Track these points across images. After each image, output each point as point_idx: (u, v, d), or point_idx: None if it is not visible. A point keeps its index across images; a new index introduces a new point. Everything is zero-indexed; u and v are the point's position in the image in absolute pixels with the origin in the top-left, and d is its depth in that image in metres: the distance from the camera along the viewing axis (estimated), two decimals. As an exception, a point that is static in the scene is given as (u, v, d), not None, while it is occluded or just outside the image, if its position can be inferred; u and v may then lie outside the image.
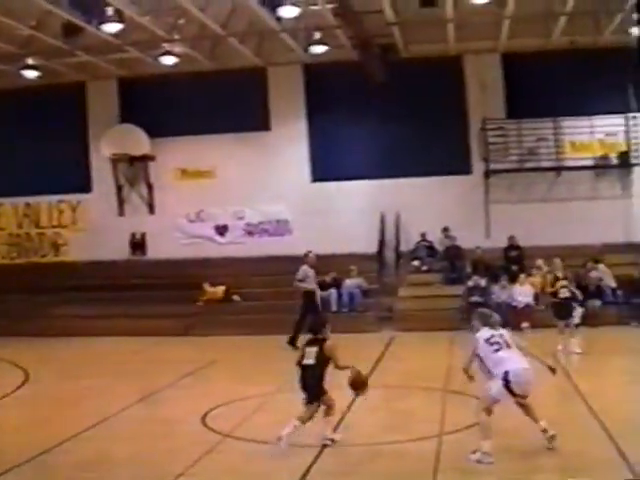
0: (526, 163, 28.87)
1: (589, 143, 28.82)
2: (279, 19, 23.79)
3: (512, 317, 24.47)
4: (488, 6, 22.48)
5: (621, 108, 28.31)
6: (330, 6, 22.75)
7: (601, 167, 28.89)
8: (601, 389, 14.71)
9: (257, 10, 23.24)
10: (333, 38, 26.03)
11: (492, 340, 11.11)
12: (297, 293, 23.60)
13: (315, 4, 22.43)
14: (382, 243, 28.64)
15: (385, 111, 28.97)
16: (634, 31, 25.45)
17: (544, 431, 10.94)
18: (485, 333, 11.25)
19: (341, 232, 28.37)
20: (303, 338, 21.89)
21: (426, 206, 28.35)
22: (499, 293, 25.76)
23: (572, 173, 28.68)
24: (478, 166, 29.22)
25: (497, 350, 11.00)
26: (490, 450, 10.54)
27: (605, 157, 28.75)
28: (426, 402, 14.97)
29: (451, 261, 27.78)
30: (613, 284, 25.77)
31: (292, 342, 22.13)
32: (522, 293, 25.58)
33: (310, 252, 23.84)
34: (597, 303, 24.74)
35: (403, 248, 28.96)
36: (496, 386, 10.82)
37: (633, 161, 28.64)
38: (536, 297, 25.39)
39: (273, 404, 14.90)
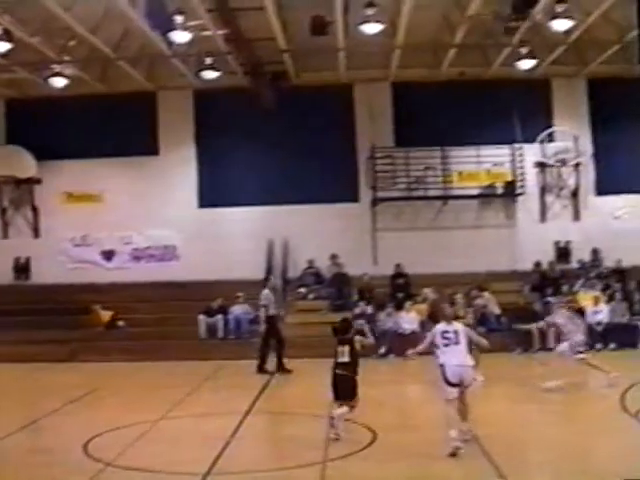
0: (413, 192, 29.22)
1: (476, 172, 29.38)
2: (170, 44, 23.69)
3: (398, 344, 24.75)
4: (379, 36, 22.72)
5: (507, 139, 28.99)
6: (221, 32, 22.77)
7: (487, 196, 29.48)
8: (485, 415, 14.92)
9: (149, 34, 23.12)
10: (224, 64, 26.03)
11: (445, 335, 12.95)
12: (181, 319, 23.56)
13: (207, 30, 22.41)
14: (269, 270, 28.60)
15: (275, 138, 29.02)
16: (520, 64, 26.20)
17: (460, 432, 11.99)
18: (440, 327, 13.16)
19: (229, 258, 28.32)
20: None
21: (314, 233, 28.46)
22: (385, 320, 25.97)
23: (458, 202, 29.23)
24: (366, 194, 29.49)
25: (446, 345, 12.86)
26: (456, 437, 11.92)
27: (491, 186, 29.35)
28: (311, 428, 14.95)
29: (338, 288, 27.90)
30: (497, 311, 26.23)
31: (261, 369, 22.46)
32: (408, 320, 25.85)
33: (271, 277, 24.26)
34: (482, 330, 25.15)
35: (291, 275, 28.96)
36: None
37: (518, 191, 29.32)
38: (422, 324, 25.68)
39: (157, 432, 14.71)
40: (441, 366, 12.76)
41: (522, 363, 23.52)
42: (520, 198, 29.52)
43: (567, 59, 27.67)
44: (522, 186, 29.40)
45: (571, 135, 29.42)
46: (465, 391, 12.81)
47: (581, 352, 17.97)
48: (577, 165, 29.48)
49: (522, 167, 29.39)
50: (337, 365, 13.85)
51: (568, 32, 23.99)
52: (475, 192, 29.42)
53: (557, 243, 29.35)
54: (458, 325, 13.33)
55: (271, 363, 22.56)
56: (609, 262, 28.46)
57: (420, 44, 25.94)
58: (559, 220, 29.63)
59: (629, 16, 23.25)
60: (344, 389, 13.70)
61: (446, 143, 29.13)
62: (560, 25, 22.36)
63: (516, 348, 25.08)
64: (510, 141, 29.07)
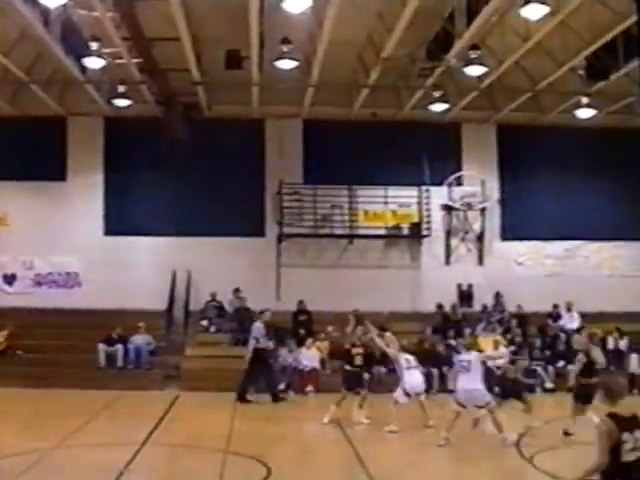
0: (320, 229, 29.33)
1: (382, 213, 29.59)
2: (84, 69, 23.49)
3: (297, 380, 24.77)
4: (293, 72, 22.85)
5: (416, 180, 29.33)
6: (135, 61, 22.65)
7: (392, 237, 29.71)
8: (379, 455, 14.94)
9: (62, 58, 22.86)
10: (137, 93, 25.90)
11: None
12: (81, 347, 23.24)
13: (121, 57, 22.27)
14: (172, 301, 28.37)
15: (185, 169, 28.85)
16: (432, 108, 26.58)
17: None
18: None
19: (132, 287, 27.94)
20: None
21: (218, 266, 28.28)
22: (286, 356, 25.88)
23: (364, 241, 29.43)
24: (272, 229, 29.47)
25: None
26: None
27: (397, 227, 29.59)
28: (206, 463, 14.83)
29: (240, 322, 27.71)
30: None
31: (242, 398, 22.78)
32: (308, 357, 25.82)
33: (267, 310, 24.35)
34: (382, 370, 25.18)
35: (193, 307, 28.72)
36: None
37: (423, 232, 29.63)
38: (322, 361, 25.70)
39: (51, 460, 14.42)
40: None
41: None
42: (425, 240, 29.85)
43: (478, 105, 28.13)
44: (428, 228, 29.72)
45: (479, 180, 29.89)
46: None
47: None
48: (483, 210, 29.93)
49: (429, 209, 29.73)
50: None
51: (481, 78, 24.47)
52: (381, 232, 29.62)
53: (460, 286, 29.68)
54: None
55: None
56: (510, 307, 28.85)
57: (334, 83, 26.16)
58: (463, 263, 30.02)
59: (540, 66, 23.90)
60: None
61: (354, 182, 29.30)
62: (473, 71, 22.82)
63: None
64: (418, 183, 29.43)
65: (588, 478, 7.70)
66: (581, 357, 17.85)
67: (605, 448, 7.57)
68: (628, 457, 7.55)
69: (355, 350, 20.10)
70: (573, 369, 23.32)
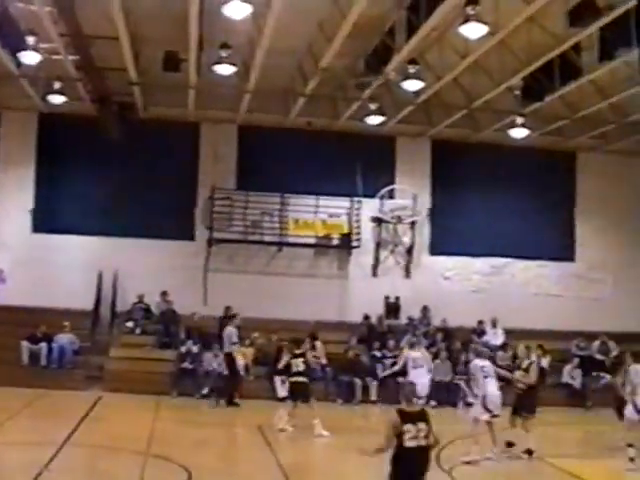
0: (250, 235, 29.23)
1: (312, 222, 29.59)
2: (19, 64, 23.15)
3: (221, 385, 24.69)
4: (231, 77, 22.80)
5: (348, 191, 29.40)
6: (72, 58, 22.41)
7: (322, 246, 29.74)
8: (302, 464, 14.98)
9: (-3, 52, 22.51)
10: (73, 90, 25.58)
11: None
12: (4, 344, 22.99)
13: (58, 54, 22.01)
14: (98, 301, 28.06)
15: (118, 169, 28.62)
16: (368, 120, 26.72)
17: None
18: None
19: (58, 286, 27.54)
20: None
21: (147, 268, 28.03)
22: (210, 361, 25.74)
23: (293, 249, 29.44)
24: (202, 233, 29.32)
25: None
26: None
27: (326, 237, 29.63)
28: (127, 464, 14.73)
29: (166, 325, 27.56)
30: (324, 361, 26.31)
31: (231, 401, 23.54)
32: (233, 363, 25.73)
33: (237, 314, 24.81)
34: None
35: (120, 308, 28.40)
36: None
37: (353, 243, 29.73)
38: (246, 367, 25.64)
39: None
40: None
41: (342, 414, 23.68)
42: (354, 251, 29.95)
43: (414, 119, 28.35)
44: (357, 239, 29.85)
45: (410, 193, 30.08)
46: None
47: None
48: (413, 223, 30.12)
49: (359, 221, 29.86)
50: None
51: (417, 93, 24.65)
52: (310, 241, 29.65)
53: (387, 298, 29.81)
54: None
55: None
56: (436, 321, 29.07)
57: (271, 90, 26.16)
58: (391, 276, 30.18)
59: (477, 84, 24.16)
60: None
61: (286, 190, 29.30)
62: (410, 85, 22.99)
63: (338, 399, 25.31)
64: (350, 194, 29.49)
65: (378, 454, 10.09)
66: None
67: (389, 435, 9.91)
68: (409, 444, 9.84)
69: (296, 360, 19.88)
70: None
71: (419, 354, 20.16)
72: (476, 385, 17.29)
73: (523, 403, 17.44)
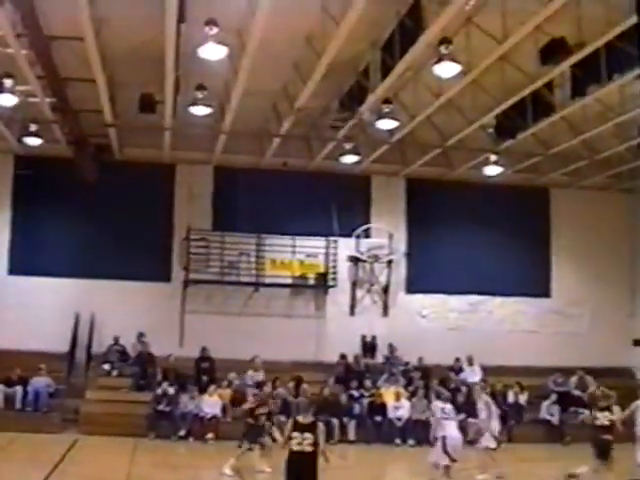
0: (226, 276, 29.15)
1: (289, 262, 29.57)
2: (-5, 106, 23.12)
3: (198, 427, 24.59)
4: (206, 119, 22.87)
5: (324, 231, 29.46)
6: (49, 100, 22.42)
7: (298, 286, 29.72)
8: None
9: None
10: (49, 132, 25.57)
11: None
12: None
13: (34, 96, 22.01)
14: (74, 343, 27.84)
15: (93, 211, 28.55)
16: (343, 159, 26.85)
17: None
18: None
19: (34, 328, 27.19)
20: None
21: (123, 310, 27.79)
22: (187, 403, 25.61)
23: (270, 290, 29.37)
24: (178, 274, 29.25)
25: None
26: None
27: (303, 277, 29.62)
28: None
29: (143, 367, 27.38)
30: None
31: None
32: (210, 404, 25.59)
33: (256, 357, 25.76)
34: (283, 419, 25.07)
35: (95, 350, 28.15)
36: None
37: (329, 283, 29.74)
38: (224, 409, 25.54)
39: None
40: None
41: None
42: (331, 290, 29.95)
43: (389, 158, 28.52)
44: (334, 279, 29.85)
45: (386, 232, 30.17)
46: None
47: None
48: (390, 262, 30.16)
49: (335, 260, 29.86)
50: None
51: (392, 132, 24.82)
52: (287, 281, 29.62)
53: (364, 337, 29.77)
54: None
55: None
56: (414, 359, 29.03)
57: (246, 131, 26.21)
58: (368, 315, 30.17)
59: (451, 122, 24.36)
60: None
61: (262, 230, 29.28)
62: (385, 125, 23.14)
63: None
64: (326, 234, 29.54)
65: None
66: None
67: (285, 437, 12.84)
68: (295, 448, 12.49)
69: (259, 410, 19.97)
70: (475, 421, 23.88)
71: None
72: (436, 427, 17.16)
73: None
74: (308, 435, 12.51)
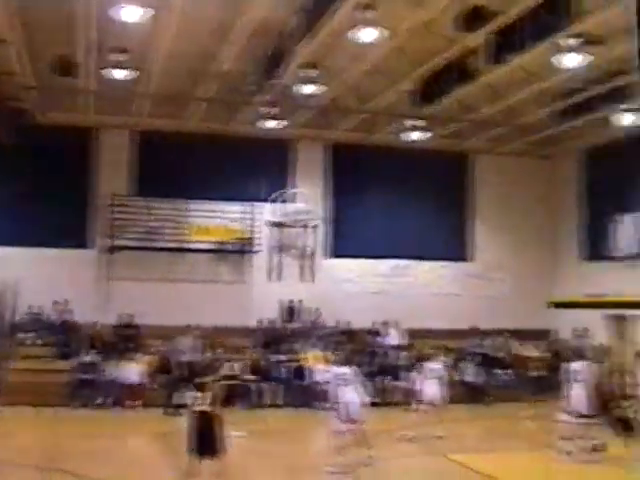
0: (150, 242, 28.90)
1: (213, 227, 29.46)
2: None
3: (123, 395, 24.47)
4: (128, 82, 22.62)
5: (247, 196, 29.44)
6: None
7: (221, 251, 29.64)
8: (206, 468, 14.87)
9: None
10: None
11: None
12: None
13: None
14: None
15: (12, 175, 27.82)
16: (266, 124, 26.76)
17: None
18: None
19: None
20: None
21: (45, 278, 27.26)
22: (112, 370, 25.46)
23: (194, 255, 29.26)
24: (101, 241, 28.93)
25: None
26: None
27: (227, 242, 29.53)
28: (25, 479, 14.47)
29: (66, 335, 27.12)
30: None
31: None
32: (135, 371, 25.47)
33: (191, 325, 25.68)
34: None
35: (16, 319, 27.79)
36: None
37: (252, 248, 29.71)
38: (149, 376, 25.45)
39: None
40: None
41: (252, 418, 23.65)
42: (255, 256, 29.94)
43: (312, 123, 28.54)
44: (257, 244, 29.82)
45: (310, 197, 30.21)
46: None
47: None
48: (313, 227, 30.22)
49: (259, 225, 29.83)
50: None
51: (315, 97, 24.76)
52: (211, 247, 29.53)
53: (287, 302, 29.85)
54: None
55: None
56: (337, 323, 29.24)
57: (169, 94, 25.89)
58: (292, 279, 30.18)
59: (373, 87, 24.41)
60: None
61: (186, 196, 29.18)
62: (308, 90, 23.10)
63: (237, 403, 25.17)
64: (249, 199, 29.51)
65: None
66: None
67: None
68: (195, 408, 13.52)
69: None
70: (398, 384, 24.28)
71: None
72: (335, 393, 16.95)
73: None
74: (207, 395, 13.49)
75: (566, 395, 18.16)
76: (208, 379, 13.96)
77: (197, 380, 13.90)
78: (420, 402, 20.59)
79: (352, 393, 16.71)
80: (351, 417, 16.55)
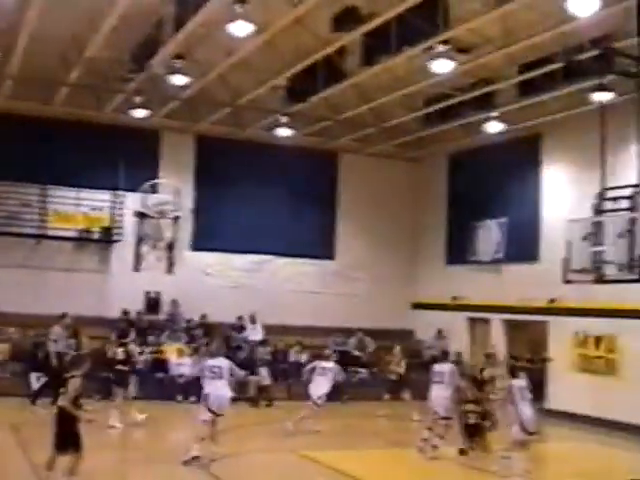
0: (7, 227, 28.06)
1: (74, 215, 28.91)
2: None
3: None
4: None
5: (110, 184, 29.01)
6: None
7: (83, 240, 29.12)
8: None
9: None
10: None
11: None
12: None
13: None
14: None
15: None
16: (133, 113, 26.44)
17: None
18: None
19: None
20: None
21: None
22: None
23: (54, 242, 28.61)
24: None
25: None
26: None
27: (88, 230, 29.04)
28: None
29: None
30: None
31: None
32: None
33: (67, 313, 24.83)
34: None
35: None
36: None
37: (115, 237, 29.31)
38: (2, 364, 24.90)
39: None
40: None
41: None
42: (116, 245, 29.54)
43: (179, 114, 28.35)
44: (119, 233, 29.43)
45: (174, 188, 29.98)
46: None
47: None
48: (176, 218, 30.03)
49: (121, 215, 29.44)
50: None
51: (183, 88, 24.60)
52: (71, 234, 28.95)
53: (148, 293, 29.60)
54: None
55: None
56: (197, 316, 29.15)
57: (34, 77, 25.26)
58: (152, 271, 29.93)
59: (243, 81, 24.39)
60: None
61: (46, 181, 28.46)
62: (176, 80, 22.95)
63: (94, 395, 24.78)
64: (113, 187, 29.10)
65: None
66: None
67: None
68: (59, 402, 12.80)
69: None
70: (254, 379, 24.32)
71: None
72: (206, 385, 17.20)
73: None
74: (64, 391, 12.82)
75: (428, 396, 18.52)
76: (69, 374, 13.01)
77: (66, 375, 13.04)
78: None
79: (220, 386, 16.87)
80: (219, 410, 16.72)
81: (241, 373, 17.86)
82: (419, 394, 19.86)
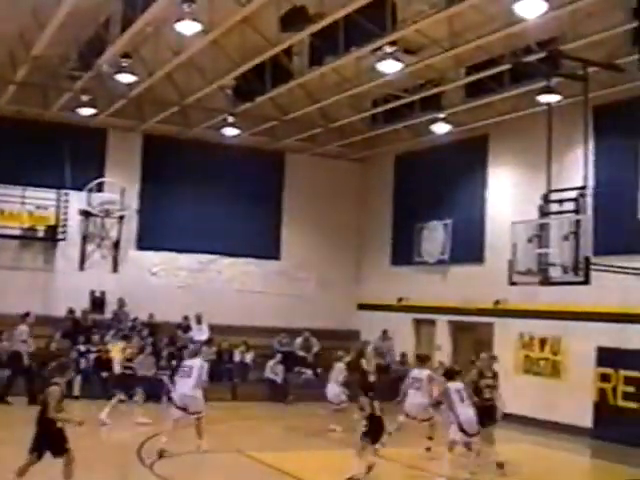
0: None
1: (19, 213, 28.63)
2: None
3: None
4: None
5: (55, 183, 28.80)
6: None
7: (27, 238, 28.89)
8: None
9: None
10: None
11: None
12: None
13: None
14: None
15: None
16: (79, 111, 26.29)
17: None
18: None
19: None
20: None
21: None
22: None
23: (-1, 240, 28.40)
24: None
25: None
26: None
27: (32, 229, 28.82)
28: None
29: None
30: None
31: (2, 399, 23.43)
32: None
33: (30, 312, 24.49)
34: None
35: None
36: None
37: (59, 236, 29.10)
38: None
39: None
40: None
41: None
42: (61, 244, 29.33)
43: (126, 113, 28.20)
44: (64, 232, 29.23)
45: (119, 187, 29.85)
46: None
47: None
48: (121, 218, 29.92)
49: (66, 213, 29.24)
50: None
51: (130, 87, 24.52)
52: (15, 233, 28.69)
53: (93, 292, 29.46)
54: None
55: None
56: (143, 316, 29.04)
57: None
58: (98, 270, 29.82)
59: (190, 81, 24.35)
60: None
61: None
62: (123, 79, 22.90)
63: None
64: (58, 186, 28.88)
65: None
66: None
67: None
68: None
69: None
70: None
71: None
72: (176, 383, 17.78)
73: None
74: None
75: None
76: (53, 381, 12.37)
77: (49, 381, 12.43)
78: None
79: (185, 385, 17.34)
80: (184, 406, 17.22)
81: (204, 379, 17.74)
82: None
